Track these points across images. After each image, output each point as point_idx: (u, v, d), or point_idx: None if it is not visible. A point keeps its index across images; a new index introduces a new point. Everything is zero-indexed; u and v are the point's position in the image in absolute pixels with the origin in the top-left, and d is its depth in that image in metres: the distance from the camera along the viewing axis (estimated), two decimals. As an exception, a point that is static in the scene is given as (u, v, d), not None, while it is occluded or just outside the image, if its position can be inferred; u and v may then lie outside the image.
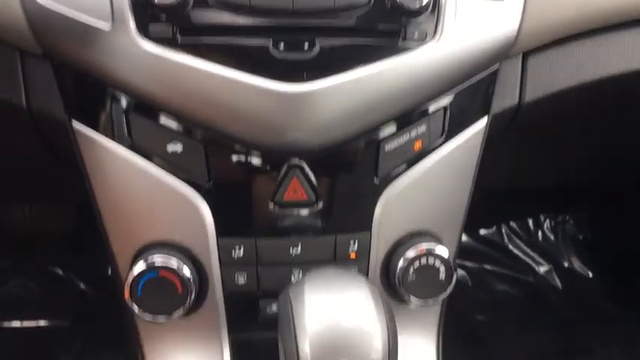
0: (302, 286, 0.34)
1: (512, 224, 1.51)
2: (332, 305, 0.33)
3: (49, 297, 1.31)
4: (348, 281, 0.35)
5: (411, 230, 0.51)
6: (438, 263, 0.50)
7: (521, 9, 0.49)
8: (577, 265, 1.46)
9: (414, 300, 0.50)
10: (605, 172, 1.13)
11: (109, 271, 1.35)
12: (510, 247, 1.48)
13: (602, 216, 1.50)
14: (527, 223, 1.51)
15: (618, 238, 1.44)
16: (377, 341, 0.32)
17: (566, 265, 1.45)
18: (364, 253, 0.50)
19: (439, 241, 0.51)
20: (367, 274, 0.50)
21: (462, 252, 1.47)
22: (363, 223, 0.50)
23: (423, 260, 0.49)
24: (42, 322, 1.27)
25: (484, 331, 1.26)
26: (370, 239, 0.50)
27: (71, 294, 1.32)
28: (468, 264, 1.44)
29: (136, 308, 0.46)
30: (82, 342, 1.23)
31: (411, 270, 0.49)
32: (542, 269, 1.44)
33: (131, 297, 0.46)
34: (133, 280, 0.46)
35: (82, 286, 1.33)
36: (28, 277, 1.33)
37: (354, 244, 0.49)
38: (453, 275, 0.50)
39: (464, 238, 1.48)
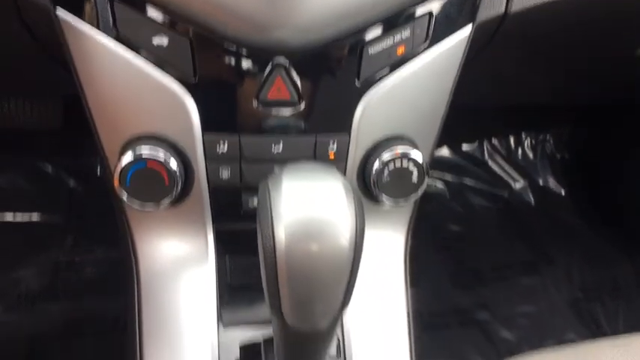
0: (280, 176, 0.37)
1: (494, 141, 1.54)
2: (307, 194, 0.36)
3: (40, 193, 1.34)
4: (323, 174, 0.37)
5: (388, 134, 0.53)
6: (411, 166, 0.53)
7: None
8: (552, 183, 1.52)
9: (386, 199, 0.53)
10: (589, 93, 1.15)
11: (98, 170, 1.38)
12: (490, 163, 1.52)
13: (581, 137, 1.54)
14: (509, 141, 1.55)
15: (594, 159, 1.49)
16: (346, 228, 0.35)
17: (541, 182, 1.51)
18: (343, 153, 0.52)
19: (414, 146, 0.54)
20: (345, 174, 0.53)
21: (443, 165, 1.52)
22: (342, 124, 0.51)
23: (398, 163, 0.52)
24: (34, 217, 1.31)
25: (456, 240, 1.33)
26: (349, 141, 0.52)
27: (61, 191, 1.35)
28: (448, 177, 1.49)
29: (124, 195, 0.49)
30: (74, 237, 1.28)
31: (386, 171, 0.52)
32: (518, 185, 1.50)
33: (120, 185, 0.48)
34: (122, 170, 0.48)
35: (72, 183, 1.36)
36: (17, 174, 1.35)
37: (334, 144, 0.52)
38: (424, 178, 0.53)
39: (446, 152, 1.52)
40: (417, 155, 0.53)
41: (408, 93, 0.53)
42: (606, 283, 1.23)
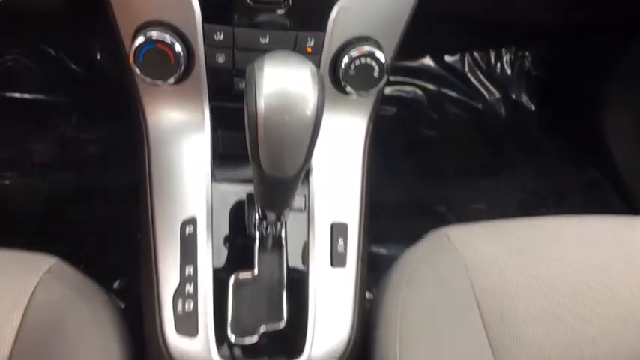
0: (263, 61, 0.48)
1: (475, 55, 1.63)
2: (282, 75, 0.47)
3: (45, 74, 1.43)
4: (297, 61, 0.49)
5: (358, 34, 0.64)
6: (374, 63, 0.64)
7: None
8: (524, 98, 1.63)
9: (351, 90, 0.65)
10: (570, 9, 1.21)
11: (98, 54, 1.46)
12: (469, 75, 1.61)
13: (558, 58, 1.62)
14: (489, 56, 1.63)
15: (568, 81, 1.58)
16: (310, 101, 0.47)
17: (514, 97, 1.62)
18: (318, 48, 0.63)
19: (379, 47, 0.64)
20: (319, 67, 0.64)
21: (426, 75, 1.62)
22: (319, 24, 0.62)
23: (363, 60, 0.63)
24: (40, 96, 1.41)
25: (427, 143, 1.46)
26: (324, 38, 0.63)
27: (64, 73, 1.44)
28: (429, 86, 1.59)
29: (138, 71, 0.60)
30: (78, 116, 1.39)
31: (352, 66, 0.63)
32: (492, 98, 1.61)
33: (134, 62, 0.60)
34: (135, 49, 0.59)
35: (74, 66, 1.44)
36: (20, 55, 1.43)
37: (311, 40, 0.62)
38: (384, 74, 0.64)
39: (429, 62, 1.61)
40: (379, 55, 0.64)
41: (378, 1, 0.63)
42: (554, 188, 1.39)
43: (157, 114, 0.67)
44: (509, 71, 1.64)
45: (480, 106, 1.59)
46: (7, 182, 1.27)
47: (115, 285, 1.14)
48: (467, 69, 1.62)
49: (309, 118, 0.47)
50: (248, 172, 0.55)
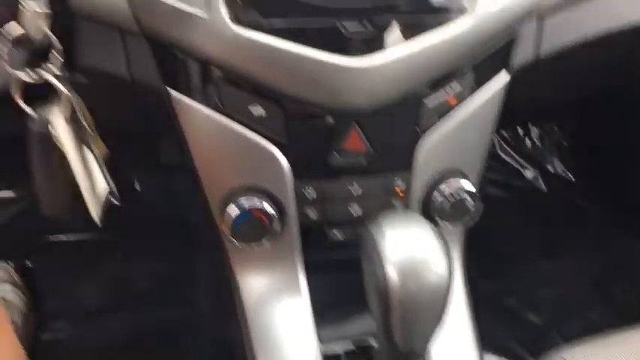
0: (382, 225, 0.47)
1: (503, 133, 1.64)
2: (407, 240, 0.46)
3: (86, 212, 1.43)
4: (415, 222, 0.47)
5: (444, 168, 0.63)
6: (466, 196, 0.63)
7: None
8: (561, 169, 1.62)
9: (447, 224, 0.64)
10: (595, 86, 1.22)
11: (137, 185, 1.46)
12: (501, 154, 1.62)
13: (586, 125, 1.63)
14: (517, 132, 1.64)
15: (601, 144, 1.58)
16: (442, 267, 0.45)
17: (551, 169, 1.61)
18: (407, 188, 0.62)
19: (465, 176, 0.64)
20: (408, 206, 0.63)
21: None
22: (406, 164, 0.61)
23: (456, 195, 0.62)
24: (85, 236, 1.40)
25: (478, 230, 1.43)
26: (412, 177, 0.62)
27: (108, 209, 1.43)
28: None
29: (232, 240, 0.59)
30: (124, 252, 1.37)
31: (446, 202, 0.62)
32: (530, 174, 1.60)
33: (231, 233, 0.58)
34: (231, 221, 0.58)
35: (115, 201, 1.44)
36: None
37: (399, 180, 0.61)
38: (478, 203, 0.63)
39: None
40: (470, 187, 0.63)
41: (460, 133, 0.62)
42: (620, 259, 1.34)
43: (249, 275, 0.65)
44: (539, 144, 1.64)
45: (519, 183, 1.58)
46: (59, 336, 1.23)
47: None
48: (497, 148, 1.62)
49: (444, 282, 0.45)
50: (353, 324, 0.52)
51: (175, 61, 0.55)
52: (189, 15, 0.51)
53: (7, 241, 1.33)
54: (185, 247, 1.32)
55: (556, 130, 1.65)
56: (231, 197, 0.59)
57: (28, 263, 1.33)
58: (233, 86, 0.55)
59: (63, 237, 1.39)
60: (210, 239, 0.66)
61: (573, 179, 1.60)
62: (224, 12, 0.51)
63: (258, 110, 0.56)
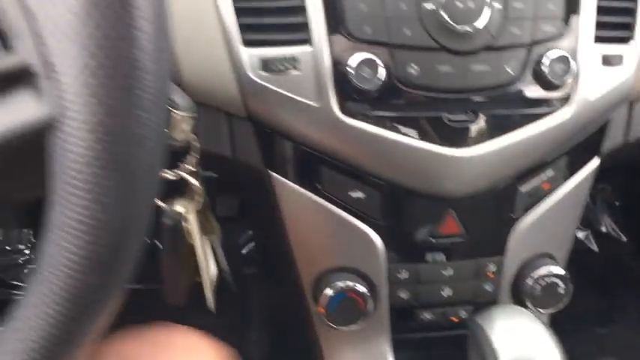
0: (491, 318, 0.47)
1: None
2: (519, 333, 0.46)
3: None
4: (523, 316, 0.48)
5: (535, 253, 0.63)
6: (559, 281, 0.62)
7: (636, 70, 0.58)
8: (612, 229, 1.59)
9: (540, 310, 0.63)
10: None
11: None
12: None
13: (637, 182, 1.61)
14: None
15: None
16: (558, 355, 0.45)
17: (603, 229, 1.58)
18: (499, 272, 0.62)
19: (555, 259, 0.64)
20: (500, 290, 0.63)
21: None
22: (498, 249, 0.62)
23: (547, 279, 0.62)
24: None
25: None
26: (503, 262, 0.62)
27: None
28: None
29: (327, 321, 0.60)
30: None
31: (537, 286, 0.62)
32: (581, 234, 1.57)
33: (326, 315, 0.59)
34: (327, 302, 0.59)
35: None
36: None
37: (491, 265, 0.62)
38: (570, 288, 0.63)
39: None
40: (558, 270, 0.63)
41: (552, 217, 0.63)
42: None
43: (339, 356, 0.65)
44: (590, 204, 1.62)
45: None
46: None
47: None
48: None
49: None
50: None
51: (278, 145, 0.58)
52: (300, 104, 0.53)
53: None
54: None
55: (607, 190, 1.63)
56: (325, 278, 0.60)
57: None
58: (335, 171, 0.57)
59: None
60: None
61: (625, 239, 1.56)
62: (334, 102, 0.53)
63: (357, 194, 0.57)
